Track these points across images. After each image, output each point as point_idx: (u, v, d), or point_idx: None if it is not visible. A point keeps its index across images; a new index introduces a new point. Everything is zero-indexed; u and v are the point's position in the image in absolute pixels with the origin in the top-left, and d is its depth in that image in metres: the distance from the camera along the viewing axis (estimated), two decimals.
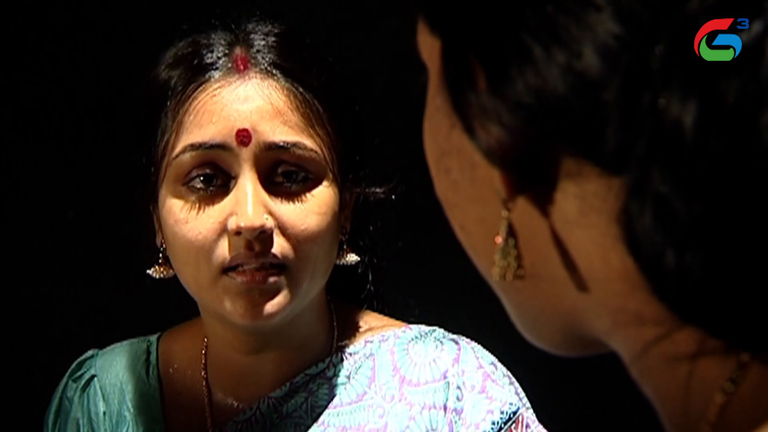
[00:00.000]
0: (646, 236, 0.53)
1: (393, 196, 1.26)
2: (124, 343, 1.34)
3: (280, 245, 1.13)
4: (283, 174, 1.14)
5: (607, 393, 1.70)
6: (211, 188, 1.14)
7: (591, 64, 0.53)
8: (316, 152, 1.15)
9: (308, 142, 1.14)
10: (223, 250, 1.13)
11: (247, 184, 1.12)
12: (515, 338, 1.35)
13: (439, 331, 1.27)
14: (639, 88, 0.52)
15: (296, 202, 1.14)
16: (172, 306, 1.33)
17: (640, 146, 0.52)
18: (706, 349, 0.54)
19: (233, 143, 1.12)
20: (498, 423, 1.20)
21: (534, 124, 0.55)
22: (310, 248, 1.14)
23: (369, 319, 1.29)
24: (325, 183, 1.16)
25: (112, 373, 1.31)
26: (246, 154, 1.12)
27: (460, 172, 0.61)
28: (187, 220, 1.14)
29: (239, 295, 1.13)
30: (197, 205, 1.14)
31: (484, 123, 0.56)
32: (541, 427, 1.23)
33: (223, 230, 1.13)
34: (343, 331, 1.27)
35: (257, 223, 1.11)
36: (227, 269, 1.13)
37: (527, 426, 1.22)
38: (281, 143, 1.13)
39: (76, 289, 2.16)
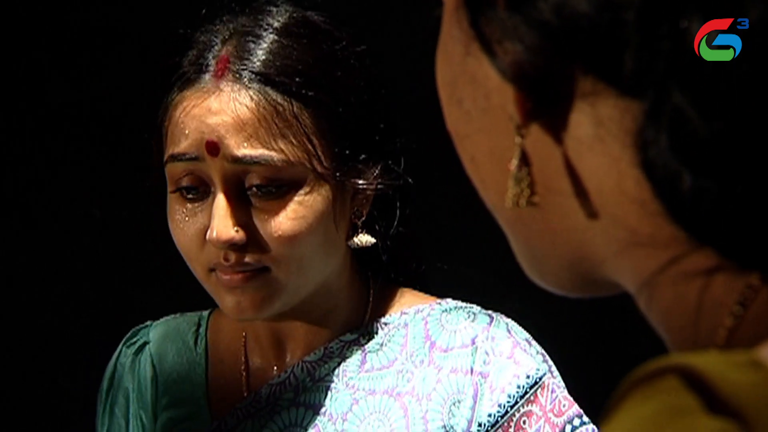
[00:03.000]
0: (662, 158, 0.53)
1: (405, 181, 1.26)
2: (178, 315, 1.40)
3: (256, 254, 1.17)
4: (254, 186, 1.17)
5: None
6: (197, 196, 1.19)
7: None
8: (286, 161, 1.16)
9: (276, 155, 1.16)
10: (208, 254, 1.18)
11: (219, 197, 1.17)
12: (552, 329, 1.36)
13: (476, 307, 1.29)
14: (660, 9, 0.53)
15: (270, 211, 1.17)
16: (199, 302, 1.37)
17: (659, 67, 0.53)
18: (718, 271, 0.54)
19: (205, 155, 1.16)
20: (523, 387, 1.21)
21: (553, 42, 0.55)
22: (289, 252, 1.17)
23: (408, 295, 1.32)
24: (305, 187, 1.17)
25: (163, 341, 1.37)
26: (216, 165, 1.16)
27: (473, 102, 0.61)
28: (180, 223, 1.20)
29: (225, 292, 1.19)
30: (186, 211, 1.19)
31: (502, 41, 0.57)
32: (566, 393, 1.24)
33: (206, 237, 1.18)
34: (379, 303, 1.30)
35: (223, 237, 1.15)
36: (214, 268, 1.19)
37: (552, 391, 1.23)
38: (245, 158, 1.15)
39: (102, 286, 2.19)
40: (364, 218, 1.24)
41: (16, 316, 2.21)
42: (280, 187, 1.17)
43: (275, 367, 1.29)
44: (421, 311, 1.29)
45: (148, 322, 1.40)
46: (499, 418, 1.21)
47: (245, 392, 1.30)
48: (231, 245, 1.16)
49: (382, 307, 1.30)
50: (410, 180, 1.27)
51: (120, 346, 1.39)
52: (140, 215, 1.22)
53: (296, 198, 1.17)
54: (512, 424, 1.21)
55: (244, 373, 1.31)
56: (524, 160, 0.59)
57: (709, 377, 0.49)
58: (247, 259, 1.17)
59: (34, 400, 2.22)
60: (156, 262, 1.30)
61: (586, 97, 0.56)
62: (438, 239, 1.41)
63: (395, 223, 1.27)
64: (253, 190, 1.17)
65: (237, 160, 1.15)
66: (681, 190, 0.53)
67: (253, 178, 1.17)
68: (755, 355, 0.52)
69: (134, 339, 1.39)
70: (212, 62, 1.18)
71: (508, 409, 1.22)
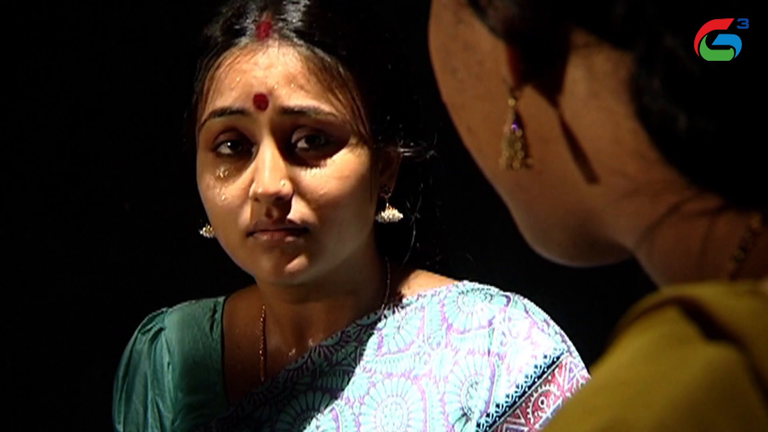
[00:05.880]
0: (657, 103, 0.53)
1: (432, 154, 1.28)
2: (193, 301, 1.40)
3: (299, 211, 1.17)
4: (302, 139, 1.17)
5: None
6: (236, 155, 1.19)
7: None
8: (334, 116, 1.17)
9: (325, 107, 1.17)
10: (247, 215, 1.18)
11: (266, 150, 1.16)
12: (580, 321, 1.34)
13: (494, 288, 1.29)
14: None
15: (316, 167, 1.17)
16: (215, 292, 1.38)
17: (649, 12, 0.53)
18: (719, 214, 0.54)
19: (252, 108, 1.16)
20: (541, 367, 1.21)
21: None
22: (332, 213, 1.18)
23: (425, 277, 1.32)
24: (348, 147, 1.18)
25: (178, 327, 1.37)
26: (264, 119, 1.16)
27: (467, 70, 0.61)
28: (216, 186, 1.19)
29: (264, 253, 1.18)
30: (224, 172, 1.19)
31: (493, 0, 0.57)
32: (585, 372, 1.24)
33: (247, 196, 1.17)
34: (396, 285, 1.30)
35: (272, 189, 1.15)
36: (252, 232, 1.18)
37: (570, 370, 1.22)
38: (296, 108, 1.16)
39: (133, 277, 2.20)
40: (390, 194, 1.25)
41: (40, 306, 2.23)
42: (327, 142, 1.18)
43: (293, 351, 1.29)
44: (438, 293, 1.29)
45: (164, 309, 1.40)
46: (517, 399, 1.21)
47: (262, 377, 1.30)
48: (277, 199, 1.16)
49: (398, 290, 1.30)
50: (436, 155, 1.27)
51: (135, 332, 1.39)
52: (170, 207, 1.22)
53: (341, 158, 1.18)
54: (530, 404, 1.21)
55: (261, 357, 1.31)
56: (518, 122, 0.59)
57: (708, 305, 0.49)
58: (289, 217, 1.17)
59: (58, 389, 2.23)
60: (174, 252, 1.31)
61: (579, 52, 0.56)
62: (464, 230, 1.40)
63: (419, 200, 1.28)
64: (300, 144, 1.18)
65: (287, 110, 1.16)
66: (677, 132, 0.53)
67: (301, 131, 1.17)
68: (756, 285, 0.52)
69: (149, 326, 1.39)
70: (251, 26, 1.19)
71: (526, 389, 1.21)
